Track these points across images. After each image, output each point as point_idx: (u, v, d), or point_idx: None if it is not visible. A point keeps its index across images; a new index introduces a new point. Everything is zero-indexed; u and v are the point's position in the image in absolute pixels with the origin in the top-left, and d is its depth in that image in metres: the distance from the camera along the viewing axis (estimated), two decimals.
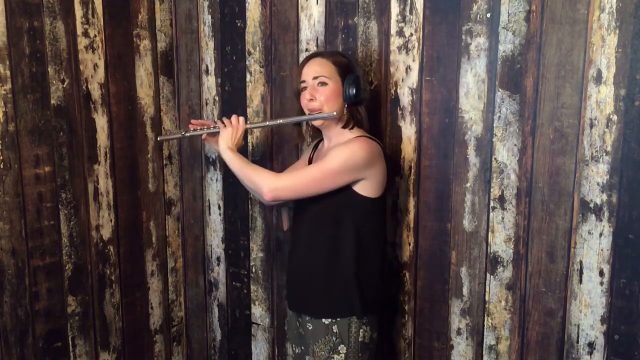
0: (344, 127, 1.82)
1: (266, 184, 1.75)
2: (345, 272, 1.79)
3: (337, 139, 1.83)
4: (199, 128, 2.10)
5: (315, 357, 1.82)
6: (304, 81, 1.81)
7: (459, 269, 1.92)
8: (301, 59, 2.15)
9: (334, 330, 1.79)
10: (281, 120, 2.00)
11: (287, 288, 1.99)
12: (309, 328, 1.85)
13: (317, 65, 1.79)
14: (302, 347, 1.92)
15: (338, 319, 1.79)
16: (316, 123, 1.83)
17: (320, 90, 1.78)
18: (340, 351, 1.79)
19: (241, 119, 1.95)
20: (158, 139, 2.41)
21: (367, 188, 1.77)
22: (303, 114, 1.87)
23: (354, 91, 1.77)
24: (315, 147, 2.00)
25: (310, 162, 1.97)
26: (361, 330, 1.80)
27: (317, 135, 2.00)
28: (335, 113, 1.77)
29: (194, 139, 2.54)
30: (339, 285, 1.79)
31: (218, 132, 2.00)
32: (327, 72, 1.78)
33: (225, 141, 1.90)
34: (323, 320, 1.81)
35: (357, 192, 1.77)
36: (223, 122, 1.97)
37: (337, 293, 1.80)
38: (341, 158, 1.72)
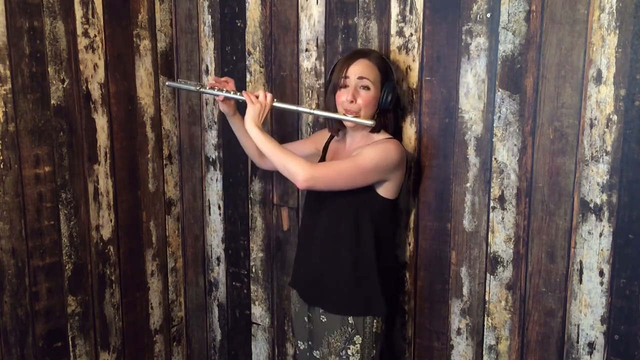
0: (371, 131, 1.83)
1: (302, 173, 1.71)
2: (366, 270, 1.81)
3: (363, 140, 1.85)
4: (217, 88, 1.98)
5: (331, 348, 1.84)
6: (347, 77, 1.78)
7: (459, 269, 1.92)
8: (301, 59, 2.15)
9: (350, 322, 1.81)
10: (311, 110, 1.92)
11: (297, 281, 1.98)
12: (323, 320, 1.86)
13: (364, 67, 1.78)
14: (310, 342, 1.94)
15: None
16: (347, 124, 1.82)
17: (361, 94, 1.77)
18: (356, 341, 1.81)
19: (269, 95, 1.87)
20: (167, 84, 2.21)
21: (387, 189, 1.79)
22: (335, 108, 1.83)
23: (390, 99, 1.78)
24: (328, 139, 2.01)
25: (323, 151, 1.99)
26: (375, 321, 1.83)
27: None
28: (372, 123, 1.77)
29: (194, 140, 2.54)
30: (361, 284, 1.81)
31: (237, 99, 1.93)
32: (372, 76, 1.78)
33: (253, 118, 1.83)
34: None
35: (378, 192, 1.79)
36: (250, 97, 1.85)
37: (357, 292, 1.81)
38: (376, 157, 1.74)
